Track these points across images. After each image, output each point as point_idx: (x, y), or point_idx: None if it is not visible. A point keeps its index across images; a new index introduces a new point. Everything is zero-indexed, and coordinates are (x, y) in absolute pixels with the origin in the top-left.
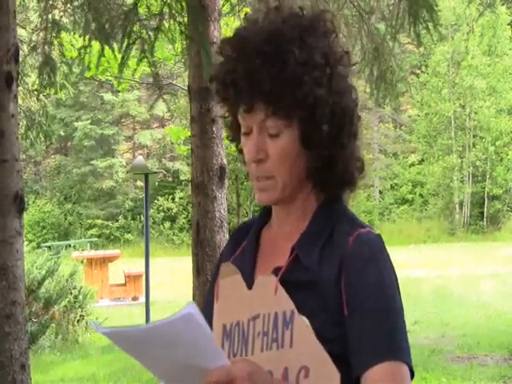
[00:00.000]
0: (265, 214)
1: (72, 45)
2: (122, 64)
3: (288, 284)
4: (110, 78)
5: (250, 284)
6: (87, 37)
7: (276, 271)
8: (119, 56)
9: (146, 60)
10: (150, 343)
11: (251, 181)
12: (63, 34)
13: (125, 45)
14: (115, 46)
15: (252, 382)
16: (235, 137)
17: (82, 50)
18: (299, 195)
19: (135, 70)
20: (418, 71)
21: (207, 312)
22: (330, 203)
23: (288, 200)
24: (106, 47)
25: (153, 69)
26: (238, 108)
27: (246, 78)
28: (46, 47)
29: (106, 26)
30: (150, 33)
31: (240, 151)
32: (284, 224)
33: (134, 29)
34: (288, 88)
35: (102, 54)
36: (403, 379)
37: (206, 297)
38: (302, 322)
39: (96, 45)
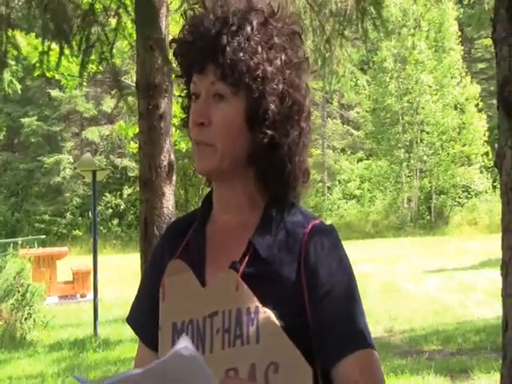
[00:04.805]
0: (206, 210)
1: (31, 45)
2: (83, 67)
3: (248, 278)
4: (58, 77)
5: (202, 281)
6: (47, 39)
7: (233, 266)
8: (68, 55)
9: (105, 61)
10: None
11: (192, 147)
12: (14, 32)
13: (83, 47)
14: (75, 46)
15: None
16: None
17: (44, 56)
18: (239, 177)
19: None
20: (366, 66)
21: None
22: (279, 198)
23: (227, 177)
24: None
25: (112, 69)
26: (191, 71)
27: (202, 38)
28: None
29: (65, 27)
30: (109, 34)
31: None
32: (227, 215)
33: (93, 31)
34: (240, 54)
35: (61, 55)
36: (377, 365)
37: (142, 283)
38: (268, 317)
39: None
